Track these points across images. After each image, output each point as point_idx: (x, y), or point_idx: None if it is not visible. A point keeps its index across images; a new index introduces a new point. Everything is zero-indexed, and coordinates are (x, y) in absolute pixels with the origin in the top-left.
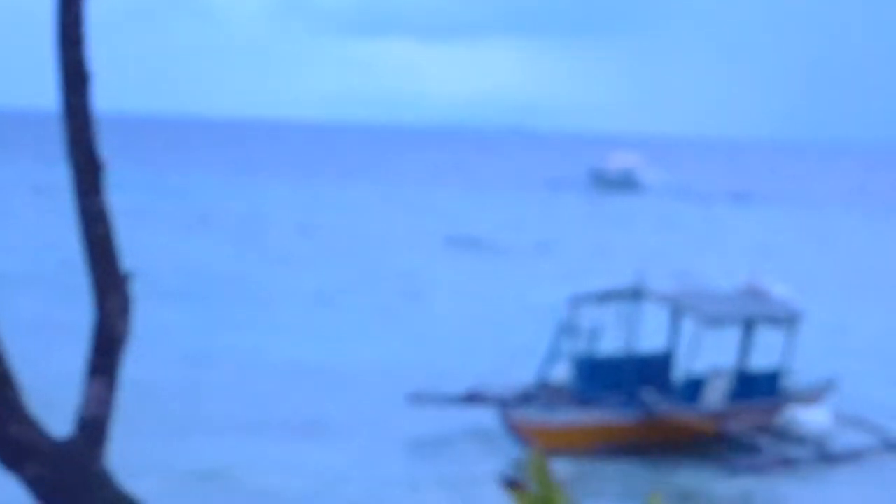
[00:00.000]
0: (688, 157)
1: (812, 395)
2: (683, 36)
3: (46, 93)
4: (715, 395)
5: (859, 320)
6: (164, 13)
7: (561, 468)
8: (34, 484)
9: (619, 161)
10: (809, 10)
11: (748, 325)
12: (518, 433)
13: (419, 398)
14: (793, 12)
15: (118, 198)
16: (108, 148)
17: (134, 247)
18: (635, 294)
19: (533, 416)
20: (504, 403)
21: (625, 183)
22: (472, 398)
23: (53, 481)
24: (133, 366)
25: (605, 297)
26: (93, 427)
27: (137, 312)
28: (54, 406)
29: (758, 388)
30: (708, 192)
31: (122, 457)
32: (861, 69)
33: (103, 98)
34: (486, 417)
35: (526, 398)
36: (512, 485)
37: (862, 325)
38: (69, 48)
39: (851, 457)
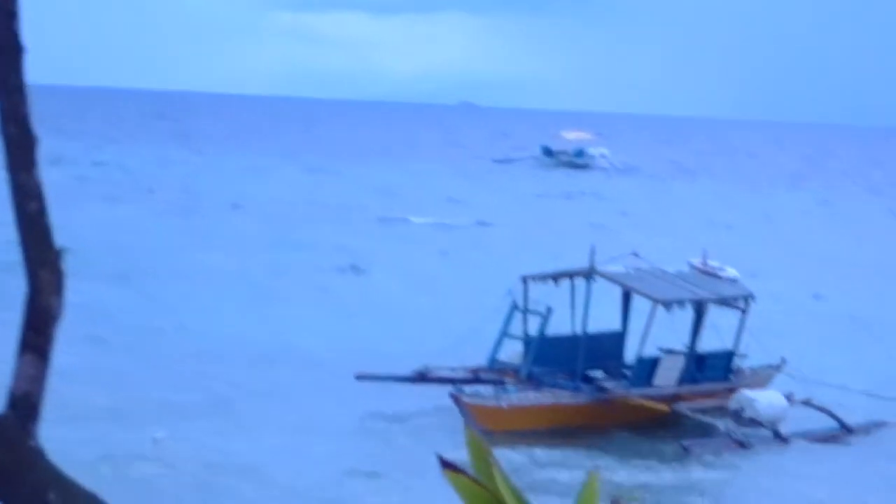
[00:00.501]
0: (639, 135)
1: (764, 377)
2: (636, 15)
3: None
4: (667, 377)
5: (807, 299)
6: None
7: (509, 449)
8: None
9: (569, 138)
10: None
11: (700, 307)
12: (468, 413)
13: (367, 377)
14: None
15: (54, 171)
16: (45, 120)
17: (61, 222)
18: (587, 274)
19: (483, 396)
20: (454, 383)
21: (575, 160)
22: (422, 378)
23: None
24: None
25: (556, 276)
26: (24, 404)
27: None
28: None
29: (710, 369)
30: (659, 170)
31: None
32: (814, 52)
33: (43, 69)
34: (434, 397)
35: (476, 378)
36: (450, 466)
37: (810, 303)
38: (2, 21)
39: (804, 438)
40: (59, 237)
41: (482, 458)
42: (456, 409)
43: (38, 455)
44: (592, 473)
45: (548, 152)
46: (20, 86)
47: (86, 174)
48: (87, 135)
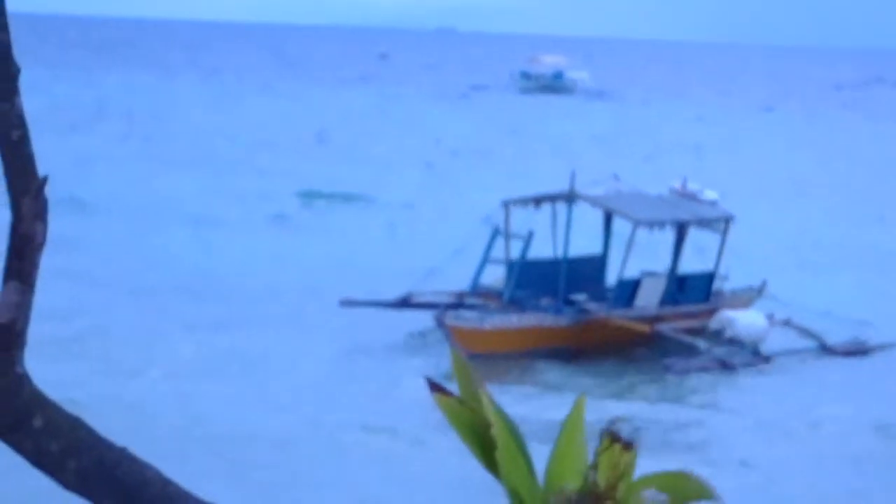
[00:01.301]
0: (616, 59)
1: (745, 299)
2: None
3: None
4: (649, 298)
5: (782, 222)
6: None
7: (492, 371)
8: None
9: (546, 63)
10: None
11: (680, 229)
12: (453, 336)
13: (352, 303)
14: None
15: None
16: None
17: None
18: (568, 197)
19: (467, 319)
20: (438, 308)
21: (553, 84)
22: (405, 303)
23: None
24: None
25: (537, 200)
26: (9, 331)
27: None
28: None
29: (691, 290)
30: (636, 94)
31: None
32: None
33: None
34: (419, 321)
35: (460, 303)
36: (438, 389)
37: (786, 226)
38: None
39: (784, 358)
40: None
41: (468, 381)
42: (440, 333)
43: (23, 381)
44: (580, 398)
45: (526, 76)
46: (1, 14)
47: (52, 103)
48: (59, 63)
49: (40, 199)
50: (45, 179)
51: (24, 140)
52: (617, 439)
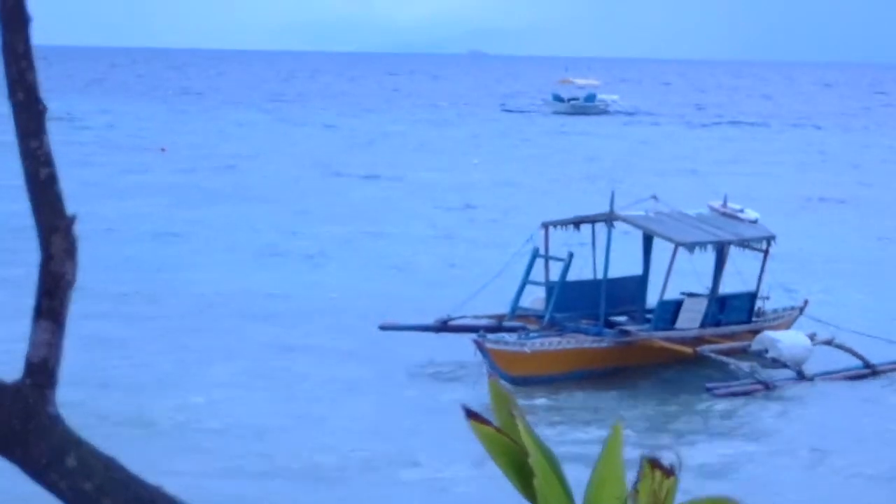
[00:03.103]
0: (647, 80)
1: (787, 318)
2: None
3: None
4: (690, 319)
5: (822, 241)
6: None
7: (531, 395)
8: None
9: (579, 85)
10: None
11: (721, 249)
12: (493, 360)
13: (390, 327)
14: None
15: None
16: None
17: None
18: (607, 219)
19: (506, 341)
20: (477, 331)
21: (586, 107)
22: (444, 326)
23: (3, 425)
24: None
25: (577, 222)
26: (41, 371)
27: None
28: None
29: (732, 311)
30: (671, 114)
31: None
32: None
33: (55, 32)
34: (459, 345)
35: (499, 326)
36: (473, 416)
37: (824, 245)
38: None
39: (828, 378)
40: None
41: (505, 408)
42: (480, 357)
43: (56, 421)
44: (617, 425)
45: (558, 99)
46: (27, 53)
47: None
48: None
49: (70, 237)
50: (73, 217)
51: (53, 178)
52: (658, 466)
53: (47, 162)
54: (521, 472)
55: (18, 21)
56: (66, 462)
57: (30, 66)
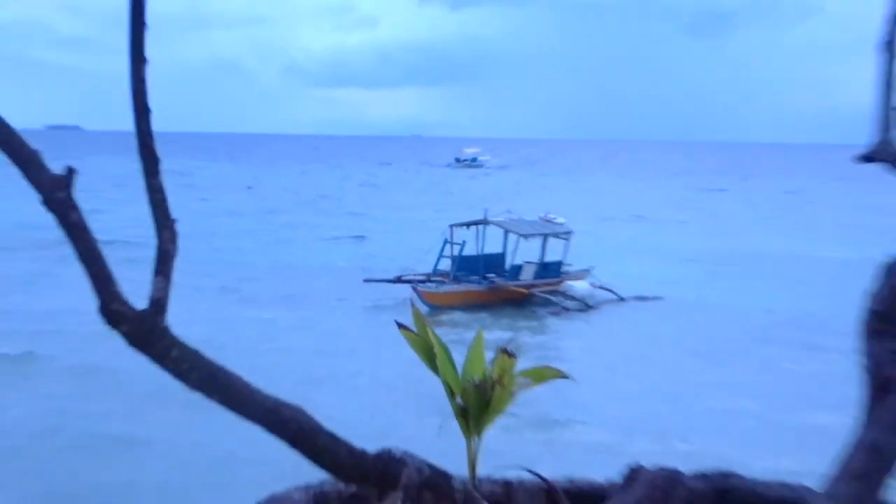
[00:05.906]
0: (513, 149)
1: (579, 275)
2: (510, 75)
3: (126, 119)
4: (528, 275)
5: (606, 235)
6: (216, 75)
7: (439, 316)
8: (126, 336)
9: (468, 152)
10: (595, 49)
11: (545, 238)
12: (423, 298)
13: (370, 280)
14: (587, 49)
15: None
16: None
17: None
18: (484, 222)
19: (431, 288)
20: (416, 282)
21: (471, 164)
22: (400, 280)
23: (136, 334)
24: None
25: (468, 224)
26: (158, 304)
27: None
28: None
29: (550, 270)
30: (520, 166)
31: None
32: (636, 87)
33: (179, 120)
34: (406, 291)
35: (428, 279)
36: (402, 326)
37: (607, 238)
38: (137, 96)
39: (601, 306)
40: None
41: (421, 321)
42: (416, 296)
43: (166, 330)
44: (480, 331)
45: (457, 160)
46: (149, 131)
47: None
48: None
49: (173, 230)
50: (175, 220)
51: (164, 199)
52: (506, 352)
53: (160, 189)
54: (429, 357)
55: (144, 111)
56: (172, 353)
57: (150, 136)
